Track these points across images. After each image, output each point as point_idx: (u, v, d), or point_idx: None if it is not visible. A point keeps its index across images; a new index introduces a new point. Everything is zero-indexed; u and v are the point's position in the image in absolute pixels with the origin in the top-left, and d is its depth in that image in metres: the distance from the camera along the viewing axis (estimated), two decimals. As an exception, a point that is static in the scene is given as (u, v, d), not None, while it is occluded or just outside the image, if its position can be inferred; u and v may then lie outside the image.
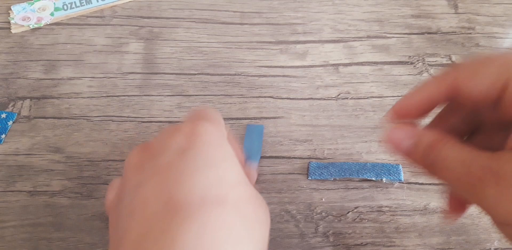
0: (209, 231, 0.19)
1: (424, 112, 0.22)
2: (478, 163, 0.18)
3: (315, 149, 0.37)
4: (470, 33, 0.44)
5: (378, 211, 0.34)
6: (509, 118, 0.19)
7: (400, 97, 0.40)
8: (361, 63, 0.42)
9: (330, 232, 0.33)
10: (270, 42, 0.43)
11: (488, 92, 0.19)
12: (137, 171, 0.22)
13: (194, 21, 0.44)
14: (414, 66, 0.42)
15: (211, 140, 0.23)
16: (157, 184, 0.20)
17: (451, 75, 0.20)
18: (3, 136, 0.37)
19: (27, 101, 0.39)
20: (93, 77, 0.40)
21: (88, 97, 0.39)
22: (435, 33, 0.44)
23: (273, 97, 0.40)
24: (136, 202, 0.20)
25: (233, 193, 0.21)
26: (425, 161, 0.20)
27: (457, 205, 0.23)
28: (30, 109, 0.39)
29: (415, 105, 0.22)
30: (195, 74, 0.41)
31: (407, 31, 0.44)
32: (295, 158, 0.36)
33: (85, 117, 0.38)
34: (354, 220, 0.34)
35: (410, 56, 0.43)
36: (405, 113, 0.22)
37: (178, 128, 0.24)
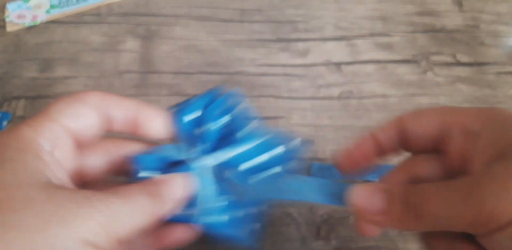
0: None
1: (373, 158, 0.23)
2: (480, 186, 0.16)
3: (317, 150, 0.36)
4: (475, 32, 0.44)
5: (381, 213, 0.33)
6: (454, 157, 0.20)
7: (404, 96, 0.39)
8: (364, 62, 0.41)
9: (332, 235, 0.32)
10: (270, 40, 0.43)
11: (432, 130, 0.21)
12: None
13: (193, 19, 0.44)
14: (418, 65, 0.41)
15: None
16: None
17: (397, 119, 0.22)
18: (-3, 136, 0.36)
19: (22, 101, 0.38)
20: (89, 76, 0.40)
21: (84, 96, 0.39)
22: (440, 31, 0.44)
23: (274, 97, 0.39)
24: None
25: None
26: (406, 209, 0.18)
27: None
28: (25, 109, 0.38)
29: (364, 152, 0.23)
30: (193, 73, 0.40)
31: (411, 29, 0.44)
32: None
33: (81, 118, 0.38)
34: (357, 223, 0.33)
35: (414, 54, 0.42)
36: (355, 160, 0.23)
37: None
